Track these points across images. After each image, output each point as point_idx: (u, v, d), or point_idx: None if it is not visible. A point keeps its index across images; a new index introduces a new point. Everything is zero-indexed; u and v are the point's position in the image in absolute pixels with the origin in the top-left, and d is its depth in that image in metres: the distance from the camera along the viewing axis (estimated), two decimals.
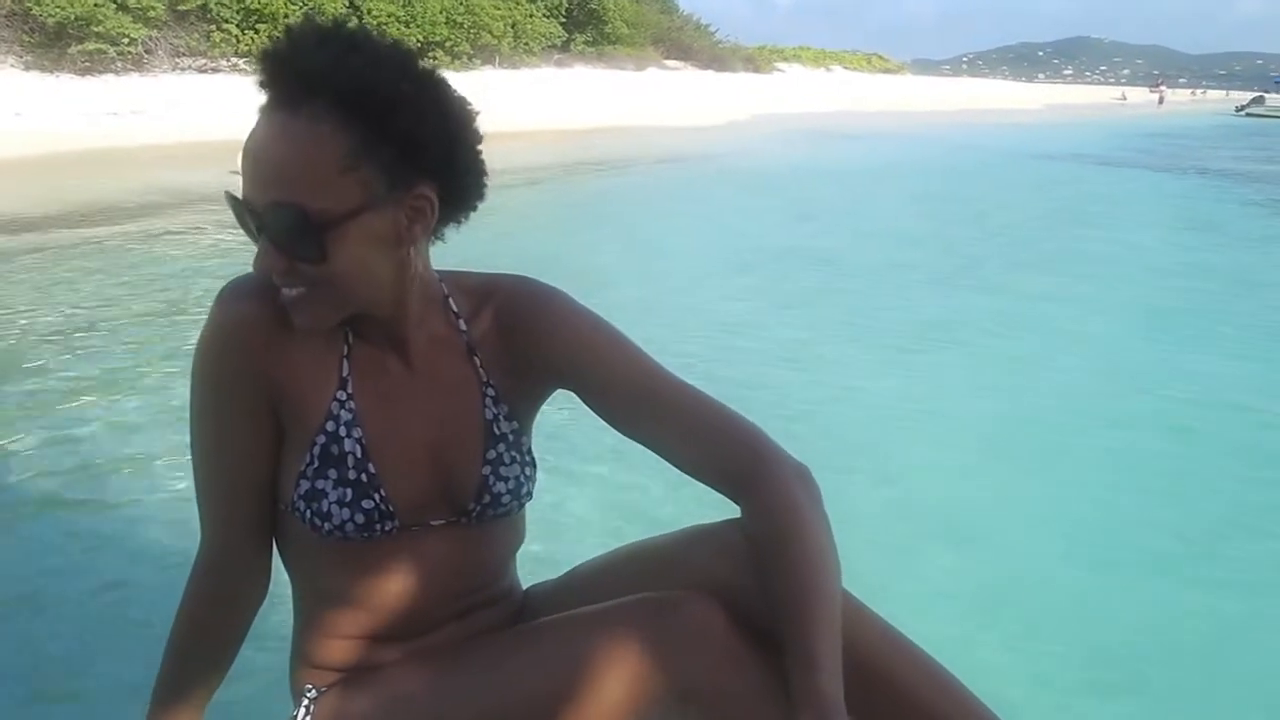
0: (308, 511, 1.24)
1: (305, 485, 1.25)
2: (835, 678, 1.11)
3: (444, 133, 1.19)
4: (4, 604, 2.68)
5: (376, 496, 1.25)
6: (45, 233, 9.06)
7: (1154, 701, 2.41)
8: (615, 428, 1.34)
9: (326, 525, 1.24)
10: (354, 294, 1.19)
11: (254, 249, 1.16)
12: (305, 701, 1.34)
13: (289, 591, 1.40)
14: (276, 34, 1.17)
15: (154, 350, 5.23)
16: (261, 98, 1.15)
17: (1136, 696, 2.42)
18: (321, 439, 1.24)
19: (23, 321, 5.76)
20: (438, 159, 1.18)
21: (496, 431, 1.33)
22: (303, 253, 1.13)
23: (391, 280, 1.22)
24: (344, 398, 1.25)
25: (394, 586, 1.30)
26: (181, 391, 4.37)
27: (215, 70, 25.15)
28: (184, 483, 3.34)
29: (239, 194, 1.16)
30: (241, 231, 1.17)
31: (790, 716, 1.11)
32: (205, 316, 1.23)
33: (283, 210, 1.11)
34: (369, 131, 1.13)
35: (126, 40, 23.19)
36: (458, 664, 1.28)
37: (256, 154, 1.13)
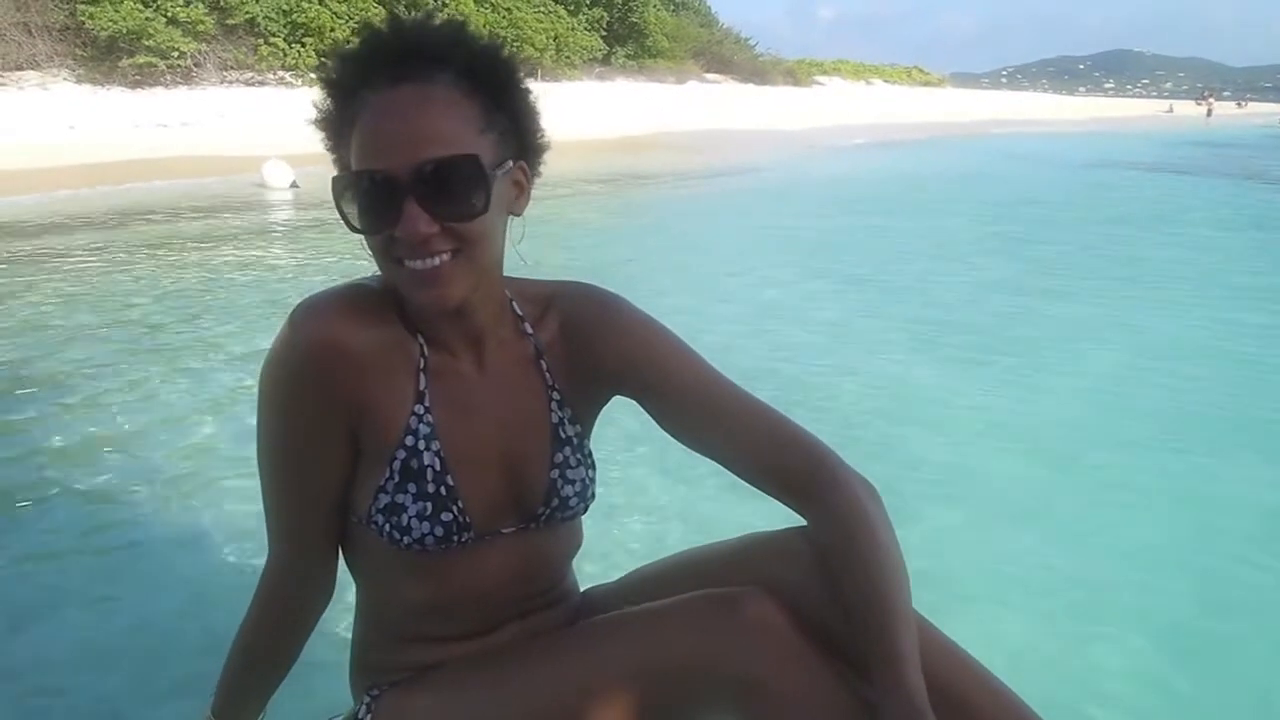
0: (386, 525, 1.25)
1: (385, 499, 1.25)
2: (918, 671, 1.14)
3: (534, 110, 1.25)
4: (69, 606, 2.72)
5: (455, 509, 1.26)
6: (102, 232, 9.24)
7: None
8: (676, 437, 1.35)
9: (406, 539, 1.25)
10: (487, 259, 1.20)
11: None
12: (367, 700, 1.36)
13: (348, 591, 1.41)
14: (323, 47, 1.20)
15: (206, 350, 5.29)
16: (378, 79, 1.14)
17: None
18: (401, 454, 1.24)
19: (66, 323, 5.87)
20: (532, 135, 1.25)
21: (562, 435, 1.34)
22: (467, 204, 1.14)
23: (501, 255, 1.25)
24: (421, 411, 1.25)
25: (460, 592, 1.31)
26: (236, 392, 4.46)
27: (262, 83, 25.55)
28: (242, 486, 3.39)
29: (375, 169, 1.13)
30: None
31: (875, 708, 1.13)
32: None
33: (451, 162, 1.12)
34: (489, 101, 1.18)
35: (176, 54, 23.64)
36: (518, 662, 1.29)
37: (399, 122, 1.13)
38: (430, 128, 1.13)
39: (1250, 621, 2.83)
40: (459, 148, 1.13)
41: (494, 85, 1.19)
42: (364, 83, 1.16)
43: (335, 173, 1.19)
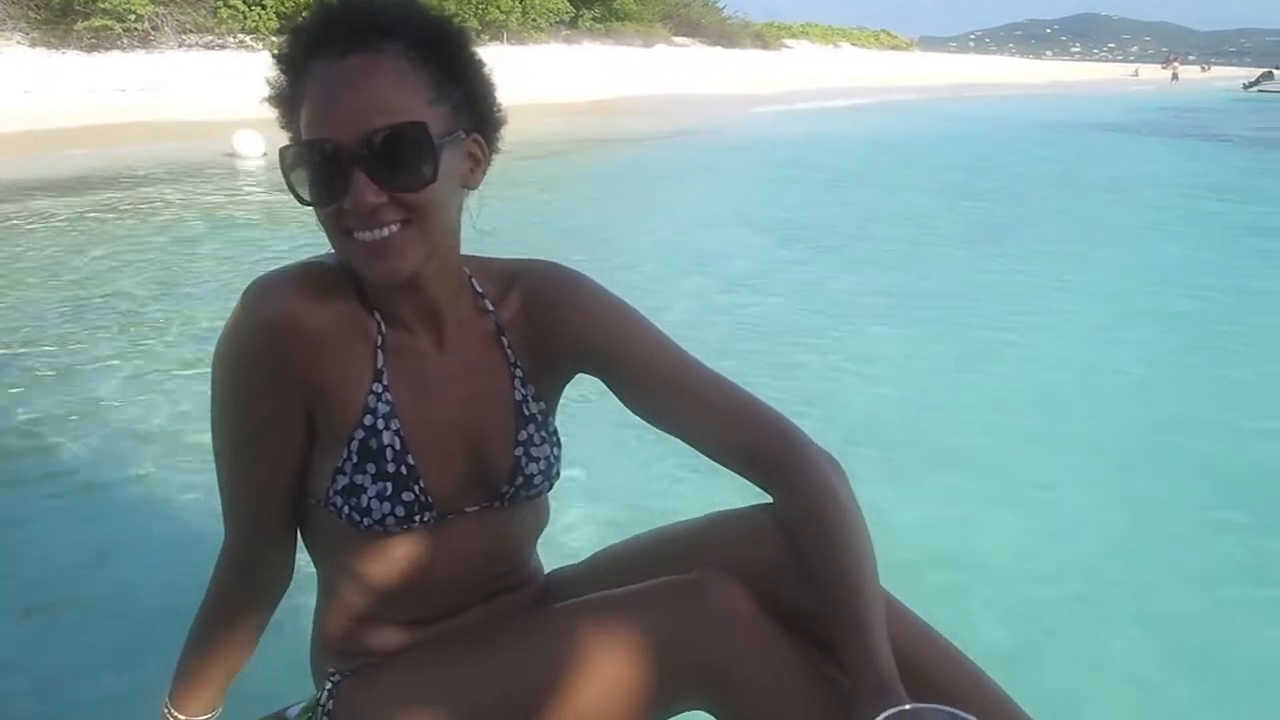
0: (345, 507, 1.23)
1: (343, 480, 1.22)
2: (887, 644, 1.14)
3: (490, 84, 1.23)
4: (23, 588, 2.68)
5: (416, 488, 1.24)
6: (54, 199, 9.08)
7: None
8: (640, 415, 1.34)
9: (366, 520, 1.22)
10: (439, 230, 1.18)
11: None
12: (328, 686, 1.34)
13: (310, 575, 1.39)
14: (283, 10, 1.16)
15: (157, 320, 5.22)
16: (326, 51, 1.12)
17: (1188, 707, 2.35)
18: (360, 434, 1.22)
19: (20, 293, 5.77)
20: (487, 108, 1.23)
21: (526, 412, 1.32)
22: (415, 173, 1.11)
23: (454, 228, 1.23)
24: (380, 389, 1.23)
25: (424, 573, 1.29)
26: (187, 363, 4.40)
27: (222, 47, 25.04)
28: (204, 458, 3.34)
29: (323, 139, 1.10)
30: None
31: (845, 687, 1.13)
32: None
33: (398, 130, 1.10)
34: (441, 72, 1.16)
35: (133, 17, 23.11)
36: (483, 646, 1.27)
37: (346, 92, 1.11)
38: (378, 97, 1.11)
39: (1228, 592, 2.84)
40: (407, 117, 1.11)
41: (445, 57, 1.17)
42: (312, 55, 1.13)
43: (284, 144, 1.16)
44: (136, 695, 2.09)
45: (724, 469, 1.33)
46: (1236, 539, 3.11)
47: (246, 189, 10.84)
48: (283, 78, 1.17)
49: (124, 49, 23.03)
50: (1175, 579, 2.87)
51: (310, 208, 1.16)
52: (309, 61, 1.13)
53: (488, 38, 31.13)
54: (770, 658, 1.18)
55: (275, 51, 1.18)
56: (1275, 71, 73.25)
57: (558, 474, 1.38)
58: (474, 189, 1.24)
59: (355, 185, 1.10)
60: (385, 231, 1.13)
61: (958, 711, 1.03)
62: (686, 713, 1.23)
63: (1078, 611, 2.70)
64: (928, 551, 2.91)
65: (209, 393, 1.23)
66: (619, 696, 1.17)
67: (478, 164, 1.22)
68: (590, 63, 34.02)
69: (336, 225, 1.14)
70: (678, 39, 48.52)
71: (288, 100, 1.17)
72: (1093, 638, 2.58)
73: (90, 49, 22.45)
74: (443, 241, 1.20)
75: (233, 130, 12.75)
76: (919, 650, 1.23)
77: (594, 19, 41.20)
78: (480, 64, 1.22)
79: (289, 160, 1.14)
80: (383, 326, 1.24)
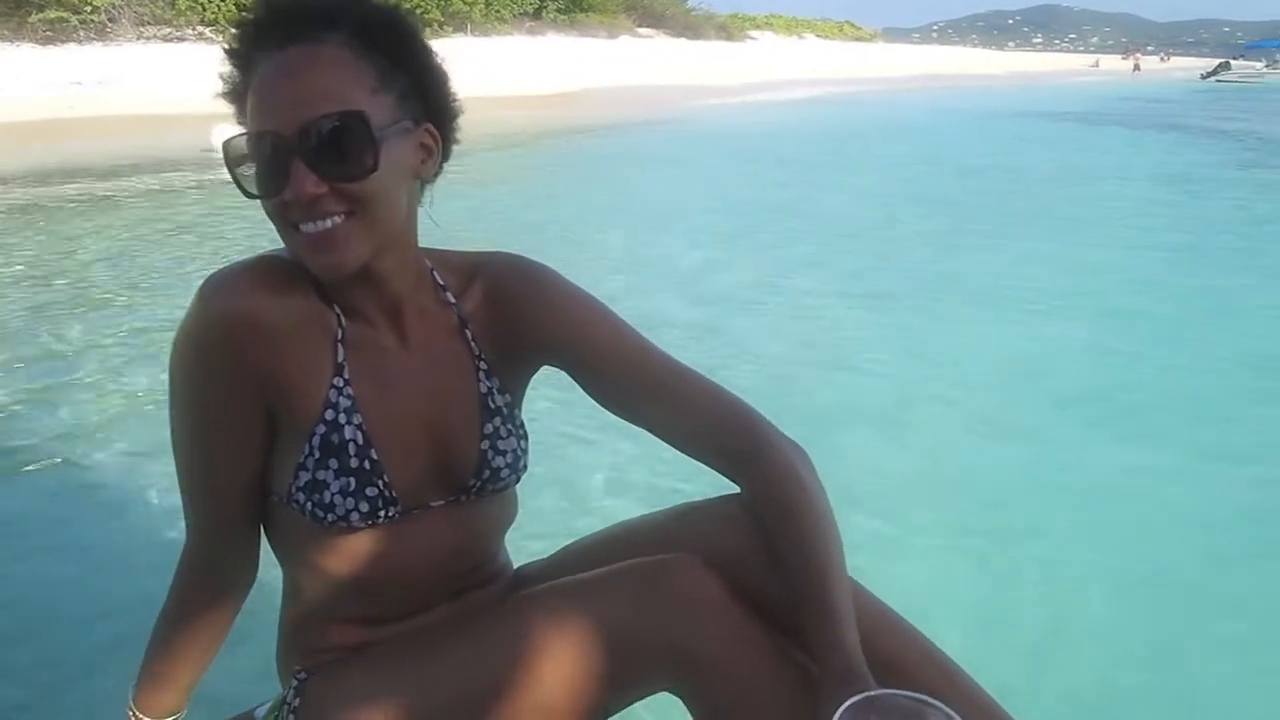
0: (308, 504, 1.21)
1: (305, 477, 1.21)
2: (854, 631, 1.14)
3: (441, 73, 1.22)
4: None
5: (380, 483, 1.22)
6: (8, 192, 8.93)
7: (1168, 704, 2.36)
8: (606, 407, 1.33)
9: (330, 516, 1.21)
10: (385, 221, 1.16)
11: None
12: (295, 683, 1.32)
13: (275, 573, 1.37)
14: (242, 1, 1.14)
15: (121, 319, 5.14)
16: (269, 42, 1.11)
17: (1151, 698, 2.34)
18: (321, 429, 1.21)
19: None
20: (439, 97, 1.22)
21: (491, 405, 1.31)
22: (355, 162, 1.10)
23: (406, 219, 1.21)
24: (341, 384, 1.21)
25: (390, 569, 1.27)
26: (150, 361, 4.35)
27: (181, 39, 24.77)
28: (162, 460, 3.30)
29: (264, 130, 1.10)
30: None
31: (812, 673, 1.13)
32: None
33: (336, 119, 1.09)
34: (386, 61, 1.15)
35: (89, 8, 22.79)
36: (450, 640, 1.26)
37: (287, 83, 1.10)
38: (318, 87, 1.10)
39: (1198, 590, 2.85)
40: (346, 106, 1.10)
41: (391, 45, 1.16)
42: (258, 46, 1.13)
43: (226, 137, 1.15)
44: (100, 698, 2.07)
45: (692, 460, 1.32)
46: (1204, 535, 3.14)
47: (215, 184, 10.70)
48: (235, 71, 1.16)
49: (80, 41, 22.74)
50: (1149, 576, 2.88)
51: (254, 199, 1.15)
52: (255, 53, 1.13)
53: (451, 29, 30.93)
54: (738, 642, 1.17)
55: (225, 45, 1.16)
56: (1232, 62, 74.29)
57: (525, 467, 1.37)
58: (428, 180, 1.23)
59: (295, 176, 1.09)
60: (328, 223, 1.12)
61: (923, 697, 1.03)
62: (653, 696, 1.22)
63: (1048, 605, 2.70)
64: (899, 546, 2.93)
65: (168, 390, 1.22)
66: (584, 680, 1.17)
67: (430, 154, 1.21)
68: (554, 54, 33.92)
69: (282, 218, 1.14)
70: (642, 30, 48.55)
71: (240, 94, 1.16)
72: (1067, 632, 2.58)
73: (45, 41, 22.15)
74: (393, 233, 1.19)
75: (193, 124, 12.44)
76: (891, 642, 1.23)
77: (558, 10, 41.13)
78: (430, 53, 1.21)
79: (233, 153, 1.13)
80: (343, 320, 1.22)
